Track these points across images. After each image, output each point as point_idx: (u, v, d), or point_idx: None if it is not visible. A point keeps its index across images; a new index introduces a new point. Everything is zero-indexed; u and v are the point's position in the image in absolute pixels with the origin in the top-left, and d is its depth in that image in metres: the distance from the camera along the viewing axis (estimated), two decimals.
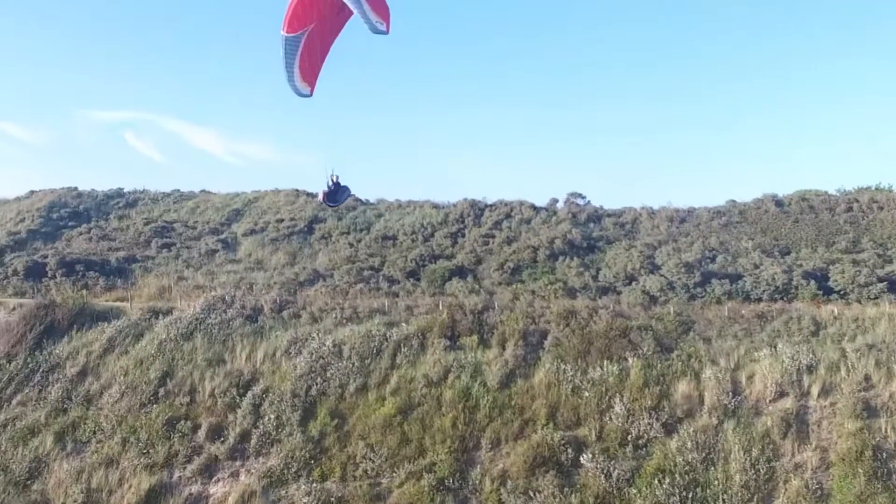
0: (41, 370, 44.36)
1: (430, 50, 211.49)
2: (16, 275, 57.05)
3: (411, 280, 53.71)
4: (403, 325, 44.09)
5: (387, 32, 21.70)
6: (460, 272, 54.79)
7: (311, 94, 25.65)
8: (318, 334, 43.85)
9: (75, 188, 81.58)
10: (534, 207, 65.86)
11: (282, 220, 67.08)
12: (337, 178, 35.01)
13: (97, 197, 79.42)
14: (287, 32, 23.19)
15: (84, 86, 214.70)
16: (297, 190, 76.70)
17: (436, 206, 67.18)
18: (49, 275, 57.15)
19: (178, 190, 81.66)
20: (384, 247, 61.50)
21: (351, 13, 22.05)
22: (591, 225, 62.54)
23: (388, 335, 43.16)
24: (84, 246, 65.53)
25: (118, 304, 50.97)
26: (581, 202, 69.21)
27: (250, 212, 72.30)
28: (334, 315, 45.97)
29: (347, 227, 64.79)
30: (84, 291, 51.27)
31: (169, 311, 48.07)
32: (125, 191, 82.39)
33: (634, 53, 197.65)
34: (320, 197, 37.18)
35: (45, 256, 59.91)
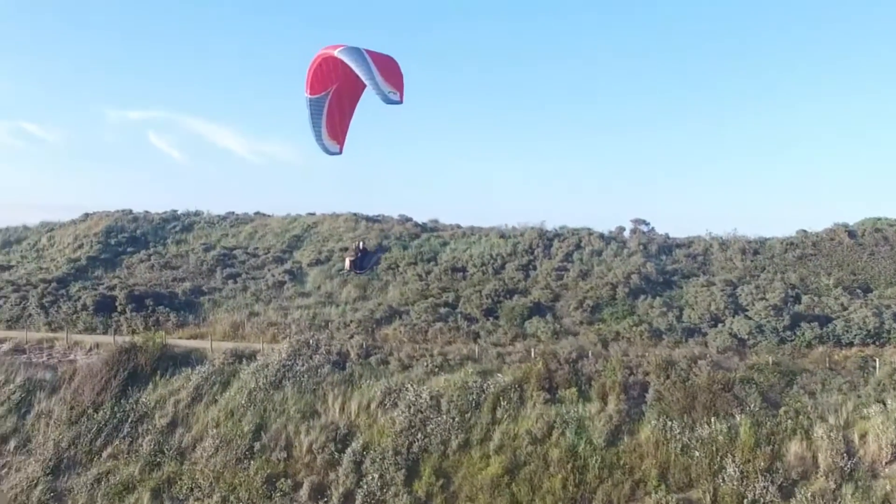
0: (129, 420, 43.68)
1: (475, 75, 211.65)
2: (85, 309, 56.26)
3: (490, 319, 52.68)
4: (499, 375, 43.24)
5: (400, 102, 21.67)
6: (538, 309, 53.84)
7: (340, 152, 25.75)
8: (412, 385, 43.01)
9: (130, 211, 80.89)
10: (602, 237, 64.81)
11: (346, 249, 66.02)
12: (363, 245, 34.46)
13: (153, 220, 78.65)
14: (311, 94, 23.59)
15: (105, 85, 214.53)
16: (356, 214, 75.81)
17: (503, 236, 66.14)
18: (119, 310, 56.29)
19: (233, 212, 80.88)
20: (455, 279, 60.51)
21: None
22: (664, 257, 61.45)
23: (484, 387, 42.32)
24: (147, 275, 64.76)
25: (196, 344, 50.22)
26: (645, 228, 68.20)
27: (310, 238, 71.39)
28: (424, 363, 45.03)
29: (414, 257, 63.80)
30: (163, 333, 50.39)
31: (251, 356, 47.26)
32: (179, 213, 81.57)
33: (686, 79, 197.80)
34: (347, 265, 36.70)
35: (112, 288, 59.14)
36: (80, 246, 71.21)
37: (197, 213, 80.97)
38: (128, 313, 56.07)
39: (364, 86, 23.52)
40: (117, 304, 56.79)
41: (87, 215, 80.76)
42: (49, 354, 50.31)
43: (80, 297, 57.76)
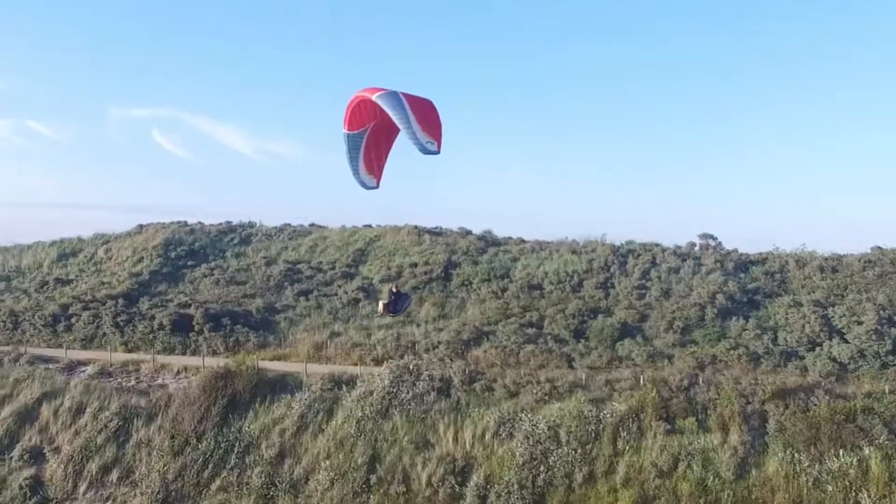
0: (235, 451, 42.72)
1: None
2: (162, 329, 55.24)
3: (581, 341, 51.92)
4: (613, 404, 42.46)
5: (437, 152, 21.08)
6: (626, 330, 53.13)
7: (376, 187, 25.33)
8: (524, 414, 42.19)
9: (185, 223, 79.86)
10: (676, 254, 64.08)
11: (416, 265, 65.26)
12: (397, 288, 34.18)
13: (210, 233, 77.59)
14: (349, 130, 23.29)
15: (110, 83, 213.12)
16: (417, 227, 74.88)
17: (574, 252, 65.37)
18: (196, 329, 55.32)
19: (289, 224, 79.96)
20: (532, 297, 59.75)
21: None
22: (742, 275, 60.81)
23: (600, 416, 41.53)
24: (214, 290, 63.79)
25: (286, 367, 49.40)
26: (712, 242, 67.57)
27: (374, 252, 70.46)
28: (532, 390, 44.23)
29: (487, 273, 63.00)
30: (255, 357, 49.44)
31: (350, 381, 46.38)
32: (234, 224, 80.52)
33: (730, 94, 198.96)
34: (380, 308, 36.40)
35: (186, 306, 58.23)
36: (140, 259, 70.08)
37: (251, 225, 79.98)
38: (206, 333, 55.17)
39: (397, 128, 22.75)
40: (194, 323, 55.70)
41: (141, 227, 79.66)
42: (137, 378, 49.36)
43: (154, 317, 56.68)
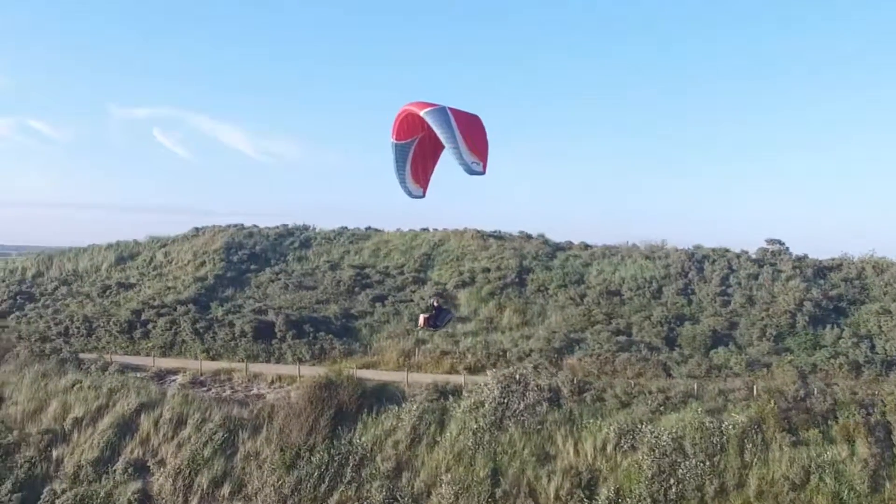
0: (350, 464, 41.87)
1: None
2: (244, 336, 54.32)
3: (676, 349, 51.36)
4: (734, 415, 41.86)
5: (483, 173, 21.07)
6: (717, 337, 52.65)
7: (423, 195, 25.39)
8: (645, 426, 41.53)
9: (242, 226, 78.87)
10: (752, 260, 63.63)
11: (488, 270, 64.51)
12: (438, 303, 33.90)
13: (269, 236, 76.57)
14: (396, 140, 23.35)
15: (112, 82, 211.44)
16: (480, 231, 74.18)
17: (648, 257, 64.83)
18: (279, 336, 54.45)
19: (346, 227, 78.94)
20: (613, 303, 59.15)
21: None
22: (821, 281, 60.39)
23: (723, 428, 40.92)
24: (284, 295, 62.88)
25: (384, 375, 48.73)
26: (778, 246, 67.17)
27: (440, 256, 69.68)
28: (645, 400, 43.59)
29: (562, 279, 62.36)
30: (352, 367, 48.65)
31: (455, 391, 45.65)
32: (290, 227, 79.55)
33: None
34: (421, 322, 36.18)
35: (262, 312, 57.37)
36: (202, 263, 69.03)
37: (306, 227, 79.02)
38: (289, 340, 54.28)
39: None
40: (276, 330, 54.82)
41: (197, 230, 78.56)
42: (231, 388, 48.52)
43: (233, 323, 55.78)
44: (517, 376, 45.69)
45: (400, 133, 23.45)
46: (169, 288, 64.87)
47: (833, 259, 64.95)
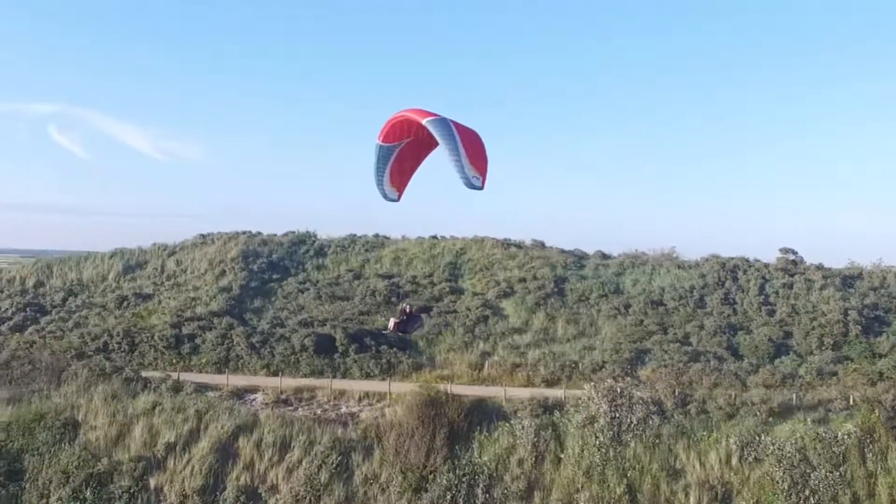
0: (480, 485, 40.96)
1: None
2: (304, 350, 52.37)
3: (746, 360, 52.51)
4: (846, 425, 43.14)
5: (482, 188, 21.55)
6: (775, 347, 54.18)
7: (398, 200, 25.89)
8: (765, 438, 42.24)
9: (253, 233, 75.75)
10: (784, 270, 65.69)
11: (524, 280, 64.29)
12: (410, 308, 35.54)
13: (283, 244, 73.79)
14: (382, 142, 23.80)
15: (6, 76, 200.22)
16: (503, 240, 73.81)
17: (680, 267, 66.07)
18: (340, 350, 52.79)
19: (353, 234, 76.92)
20: (658, 313, 59.98)
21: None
22: (850, 290, 62.99)
23: (839, 438, 42.13)
24: (321, 306, 60.90)
25: (476, 391, 47.72)
26: (792, 256, 69.70)
27: (466, 265, 68.96)
28: (754, 412, 44.37)
29: (601, 289, 62.84)
30: (443, 381, 47.61)
31: (557, 406, 45.33)
32: (297, 233, 76.96)
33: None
34: (391, 326, 37.64)
35: (308, 324, 55.61)
36: (222, 273, 65.95)
37: (308, 234, 76.58)
38: (352, 354, 52.68)
39: (434, 146, 23.52)
40: (338, 344, 53.12)
41: (203, 237, 74.97)
42: (320, 406, 46.64)
43: (288, 337, 53.74)
44: (618, 389, 45.66)
45: (388, 136, 23.57)
46: (193, 299, 61.74)
47: (849, 267, 67.57)
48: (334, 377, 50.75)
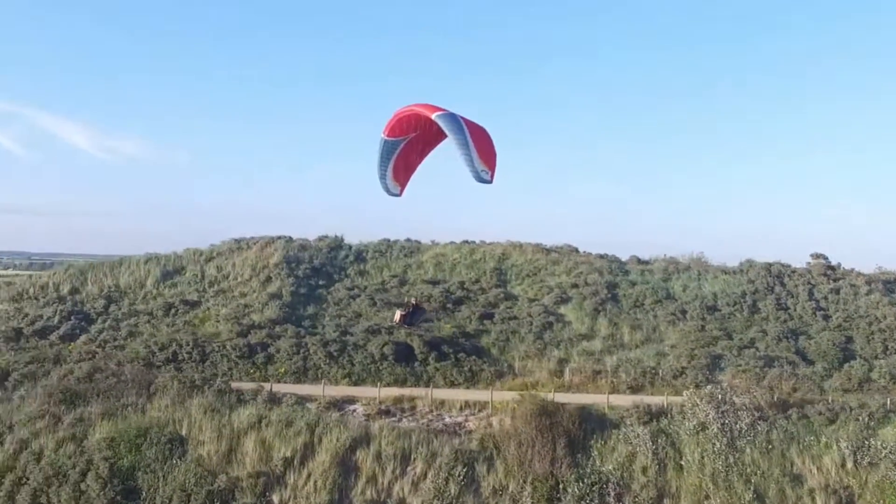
0: (611, 493, 40.94)
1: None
2: (384, 359, 51.56)
3: (816, 365, 53.70)
4: None
5: (490, 182, 22.26)
6: (841, 351, 55.53)
7: (400, 195, 26.70)
8: (872, 441, 43.16)
9: (285, 237, 73.90)
10: (825, 276, 67.21)
11: (576, 286, 64.46)
12: (416, 302, 37.15)
13: (321, 249, 72.23)
14: (387, 136, 24.40)
15: None
16: (540, 245, 73.81)
17: (725, 272, 67.17)
18: (420, 358, 52.15)
19: (387, 239, 75.79)
20: (716, 318, 60.87)
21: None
22: (894, 295, 64.92)
23: None
24: (379, 314, 59.96)
25: (573, 397, 47.64)
26: (823, 261, 71.49)
27: (511, 271, 68.75)
28: (856, 417, 45.35)
29: (654, 294, 63.47)
30: (542, 389, 47.43)
31: (661, 413, 45.61)
32: (328, 238, 75.44)
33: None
34: (397, 318, 39.39)
35: (375, 332, 54.63)
36: (268, 279, 64.29)
37: (336, 238, 75.24)
38: (432, 362, 52.08)
39: (439, 141, 24.53)
40: (418, 352, 52.48)
41: (237, 241, 72.84)
42: (425, 417, 45.99)
43: (364, 346, 52.84)
44: (719, 396, 46.16)
45: (394, 130, 23.96)
46: (245, 306, 60.00)
47: (884, 272, 69.44)
48: (417, 386, 49.97)
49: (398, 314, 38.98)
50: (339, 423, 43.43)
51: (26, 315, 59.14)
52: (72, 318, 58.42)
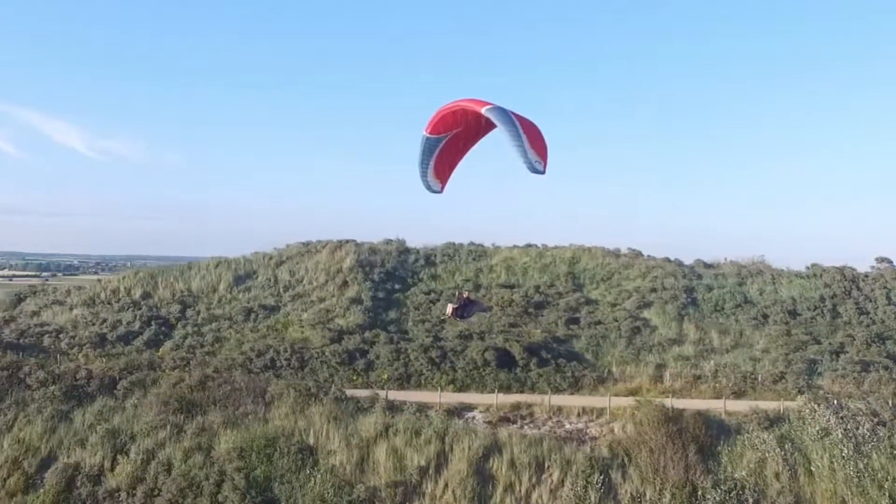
0: (750, 500, 40.61)
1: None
2: (486, 365, 51.06)
3: None
4: None
5: (543, 172, 22.37)
6: None
7: (441, 191, 26.73)
8: None
9: (353, 240, 73.01)
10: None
11: (655, 290, 64.23)
12: (467, 294, 37.70)
13: (391, 253, 71.41)
14: (429, 133, 24.48)
15: None
16: (606, 248, 73.50)
17: (798, 276, 67.25)
18: (520, 364, 51.69)
19: (452, 242, 75.15)
20: (799, 323, 60.88)
21: (491, 125, 23.20)
22: None
23: None
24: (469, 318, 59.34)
25: (689, 403, 47.36)
26: (888, 265, 71.71)
27: (584, 274, 68.40)
28: None
29: (734, 298, 63.44)
30: (656, 395, 47.09)
31: (778, 419, 45.37)
32: (391, 240, 74.70)
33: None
34: (449, 312, 39.70)
35: (467, 337, 54.19)
36: (345, 284, 63.48)
37: (399, 241, 74.54)
38: (533, 368, 51.64)
39: (484, 134, 24.77)
40: (518, 357, 52.01)
41: (305, 244, 71.90)
42: (546, 424, 45.52)
43: (461, 351, 52.32)
44: (835, 401, 46.05)
45: (437, 127, 23.92)
46: (327, 311, 59.18)
47: None
48: (522, 392, 49.54)
49: (450, 307, 37.43)
50: (467, 430, 42.74)
51: (105, 320, 57.90)
52: (152, 323, 57.35)
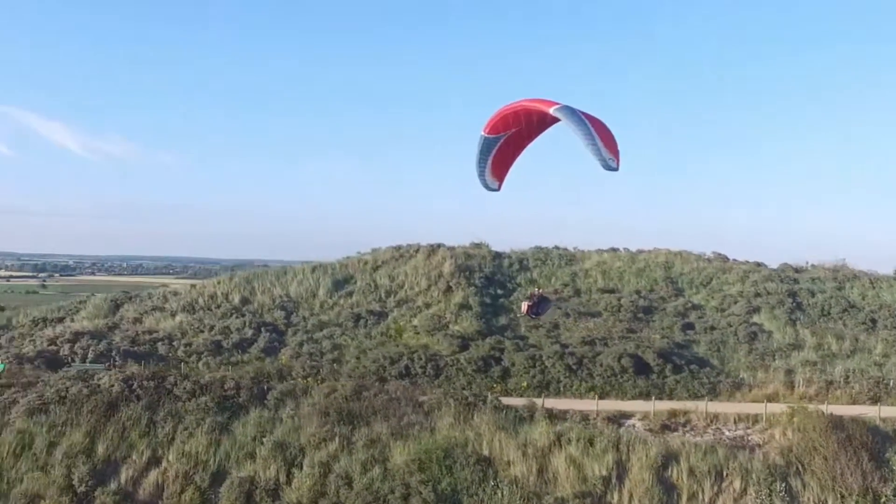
0: None
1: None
2: (624, 372, 50.50)
3: None
4: None
5: (616, 169, 22.93)
6: None
7: (498, 189, 27.13)
8: None
9: (441, 244, 71.88)
10: None
11: (759, 295, 63.90)
12: (542, 293, 38.01)
13: (486, 258, 70.35)
14: (488, 133, 24.98)
15: None
16: (693, 252, 73.10)
17: (857, 277, 67.51)
18: (655, 371, 51.09)
19: (539, 246, 74.26)
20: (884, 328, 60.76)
21: (552, 123, 23.97)
22: None
23: None
24: (578, 323, 58.81)
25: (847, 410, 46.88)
26: None
27: (681, 279, 67.96)
28: None
29: (839, 303, 63.28)
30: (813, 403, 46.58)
31: None
32: (479, 244, 73.71)
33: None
34: (524, 309, 40.28)
35: (602, 342, 53.41)
36: (448, 289, 62.41)
37: (479, 245, 73.59)
38: (669, 375, 51.00)
39: (542, 131, 25.22)
40: (654, 364, 51.34)
41: (396, 249, 70.64)
42: (706, 431, 44.87)
43: (594, 357, 51.52)
44: None
45: (496, 127, 24.41)
46: (438, 317, 58.12)
47: None
48: (660, 398, 48.85)
49: (525, 305, 38.80)
50: (641, 439, 41.91)
51: (212, 327, 56.35)
52: (262, 329, 55.83)
